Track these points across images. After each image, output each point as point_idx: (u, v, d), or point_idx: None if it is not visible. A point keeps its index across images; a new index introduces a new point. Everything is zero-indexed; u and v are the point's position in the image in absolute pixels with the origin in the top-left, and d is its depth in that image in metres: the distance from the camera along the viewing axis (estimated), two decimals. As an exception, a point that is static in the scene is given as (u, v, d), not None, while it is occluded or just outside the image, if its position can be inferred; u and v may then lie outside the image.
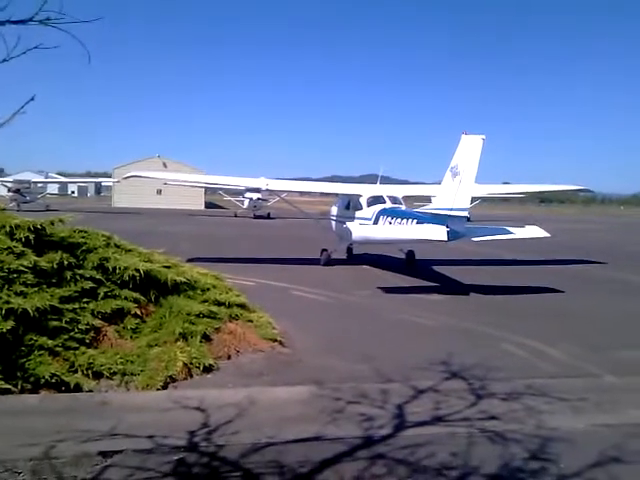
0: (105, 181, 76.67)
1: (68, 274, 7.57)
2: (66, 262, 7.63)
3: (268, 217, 47.38)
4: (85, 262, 7.91)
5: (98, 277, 7.79)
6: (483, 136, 13.54)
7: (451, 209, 13.60)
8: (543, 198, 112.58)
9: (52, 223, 8.07)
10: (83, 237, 8.25)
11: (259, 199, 45.88)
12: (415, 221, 14.88)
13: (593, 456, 5.30)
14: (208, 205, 66.29)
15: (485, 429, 5.89)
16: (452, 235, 13.39)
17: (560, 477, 4.96)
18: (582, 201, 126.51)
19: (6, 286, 6.86)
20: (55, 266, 7.49)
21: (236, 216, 48.18)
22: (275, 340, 8.57)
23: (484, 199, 47.52)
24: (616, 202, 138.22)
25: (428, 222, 14.09)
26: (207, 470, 4.89)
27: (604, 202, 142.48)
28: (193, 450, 5.21)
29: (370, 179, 22.25)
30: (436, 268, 18.54)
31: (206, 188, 54.79)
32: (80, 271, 7.71)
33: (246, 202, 47.27)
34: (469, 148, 13.57)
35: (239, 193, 49.09)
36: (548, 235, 16.71)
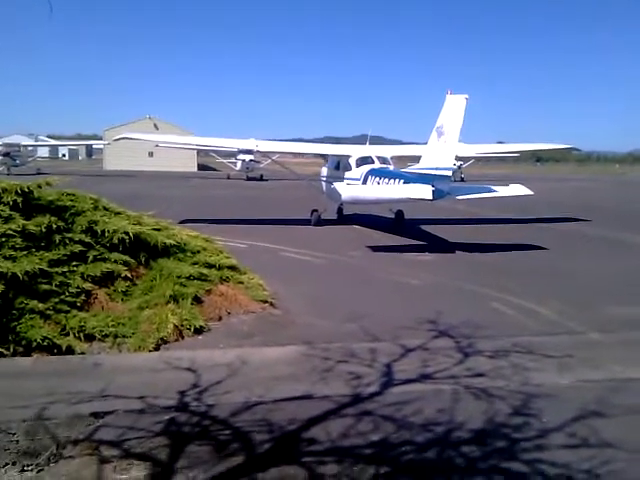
0: (96, 143, 75.75)
1: (57, 238, 7.57)
2: (54, 226, 7.62)
3: (261, 179, 47.06)
4: (74, 225, 7.91)
5: (87, 240, 7.79)
6: (466, 95, 13.68)
7: (437, 168, 13.81)
8: (538, 157, 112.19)
9: (39, 186, 8.02)
10: (71, 200, 8.21)
11: (252, 161, 45.52)
12: (402, 181, 15.04)
13: (576, 411, 5.44)
14: (201, 167, 65.76)
15: (471, 386, 6.01)
16: (437, 194, 13.65)
17: (543, 431, 5.08)
18: (577, 160, 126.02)
19: (-5, 250, 6.86)
20: (44, 230, 7.48)
21: (229, 178, 47.87)
22: (266, 301, 8.64)
23: (479, 159, 47.56)
24: (612, 160, 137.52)
25: (414, 182, 14.28)
26: (198, 429, 4.99)
27: (599, 160, 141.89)
28: (184, 410, 5.30)
29: (363, 140, 22.13)
30: (424, 227, 18.65)
31: (198, 150, 54.30)
32: (69, 234, 7.71)
33: (239, 164, 46.87)
34: (453, 108, 13.71)
35: (231, 155, 48.70)
36: (531, 193, 16.99)
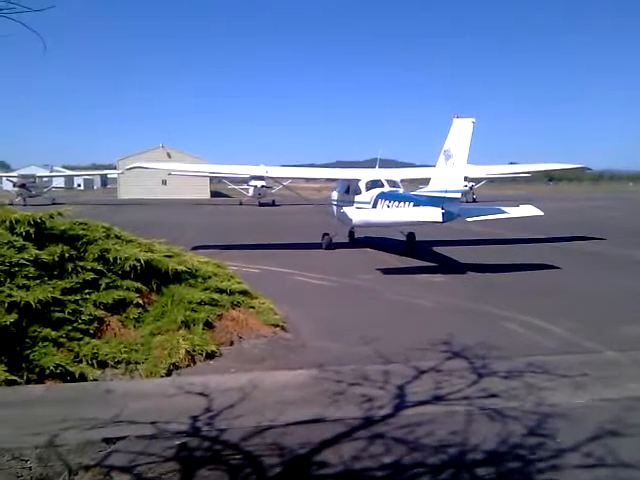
0: (110, 173, 76.83)
1: (69, 266, 7.64)
2: (67, 254, 7.70)
3: (273, 204, 47.40)
4: (86, 254, 7.98)
5: (99, 268, 7.85)
6: (473, 119, 13.85)
7: (445, 191, 13.88)
8: (551, 177, 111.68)
9: (51, 216, 8.13)
10: (83, 229, 8.31)
11: (263, 187, 45.95)
12: (412, 204, 15.08)
13: (592, 430, 5.35)
14: (214, 194, 66.36)
15: (485, 407, 5.94)
16: (447, 216, 13.71)
17: (558, 451, 5.01)
18: (590, 179, 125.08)
19: (8, 279, 6.95)
20: (56, 259, 7.56)
21: (241, 204, 48.28)
22: (277, 325, 8.63)
23: (491, 180, 47.52)
24: (625, 178, 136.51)
25: (424, 204, 14.35)
26: (209, 453, 4.97)
27: (613, 179, 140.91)
28: (195, 435, 5.29)
29: (375, 163, 22.25)
30: (436, 249, 18.65)
31: (211, 177, 54.83)
32: (81, 263, 7.78)
33: (251, 190, 47.31)
34: (460, 131, 13.86)
35: (244, 181, 49.15)
36: (542, 214, 17.13)
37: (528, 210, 16.97)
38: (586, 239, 21.77)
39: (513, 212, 16.78)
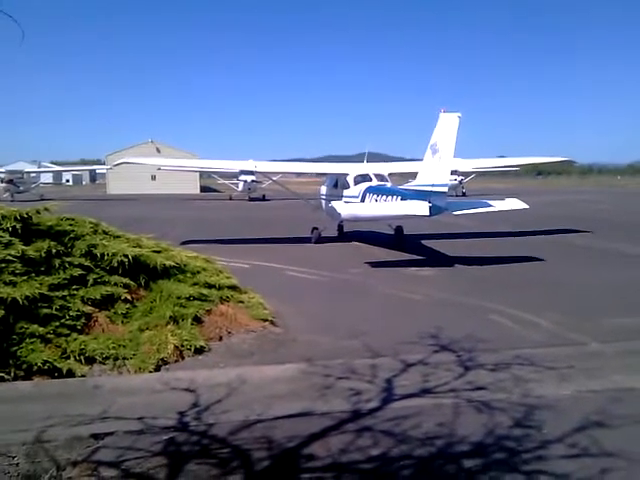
0: (99, 168, 76.10)
1: (57, 262, 7.61)
2: (54, 250, 7.67)
3: (263, 199, 47.32)
4: (73, 249, 7.96)
5: (87, 264, 7.83)
6: (459, 113, 13.97)
7: (432, 185, 14.02)
8: (539, 171, 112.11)
9: (38, 212, 8.10)
10: (70, 225, 8.28)
11: (253, 181, 45.73)
12: (399, 197, 15.23)
13: (577, 421, 5.42)
14: (203, 189, 66.05)
15: (472, 399, 5.99)
16: (434, 210, 13.82)
17: (543, 442, 5.06)
18: (578, 172, 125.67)
19: (-5, 276, 6.92)
20: (43, 254, 7.54)
21: (231, 199, 48.10)
22: (266, 320, 8.65)
23: (480, 173, 47.72)
24: (613, 172, 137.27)
25: (411, 198, 14.48)
26: (197, 448, 4.99)
27: (601, 172, 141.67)
28: (183, 430, 5.31)
29: (364, 157, 22.25)
30: (425, 242, 18.76)
31: (201, 172, 54.55)
32: (68, 259, 7.75)
33: (241, 185, 47.11)
34: (447, 125, 13.97)
35: (234, 176, 48.97)
36: (527, 207, 17.25)
37: (514, 203, 17.17)
38: (573, 232, 21.90)
39: (499, 205, 17.02)
